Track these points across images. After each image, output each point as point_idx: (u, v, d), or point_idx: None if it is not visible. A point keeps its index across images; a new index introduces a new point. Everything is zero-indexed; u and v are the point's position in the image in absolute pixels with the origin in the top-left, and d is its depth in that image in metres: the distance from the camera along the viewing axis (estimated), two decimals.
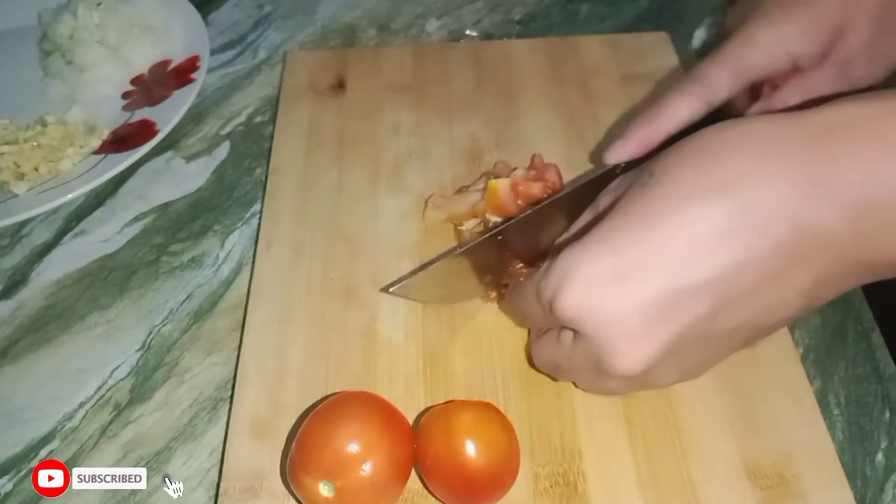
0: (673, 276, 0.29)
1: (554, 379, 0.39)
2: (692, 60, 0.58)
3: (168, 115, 0.53)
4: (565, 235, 0.36)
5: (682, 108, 0.38)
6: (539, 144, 0.50)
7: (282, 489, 0.36)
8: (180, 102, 0.54)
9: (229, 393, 0.41)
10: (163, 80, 0.57)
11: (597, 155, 0.50)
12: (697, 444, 0.37)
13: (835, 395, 0.40)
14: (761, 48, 0.38)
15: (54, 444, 0.39)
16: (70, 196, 0.49)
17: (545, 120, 0.52)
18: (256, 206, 0.50)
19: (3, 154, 0.51)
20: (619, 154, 0.38)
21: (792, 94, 0.38)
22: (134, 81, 0.58)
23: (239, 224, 0.49)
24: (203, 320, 0.44)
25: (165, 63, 0.59)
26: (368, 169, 0.50)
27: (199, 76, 0.56)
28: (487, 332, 0.42)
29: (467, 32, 0.61)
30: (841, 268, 0.29)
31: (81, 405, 0.41)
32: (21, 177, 0.51)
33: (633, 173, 0.33)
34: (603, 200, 0.35)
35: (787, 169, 0.28)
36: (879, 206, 0.27)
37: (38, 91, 0.58)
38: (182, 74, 0.57)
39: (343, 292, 0.44)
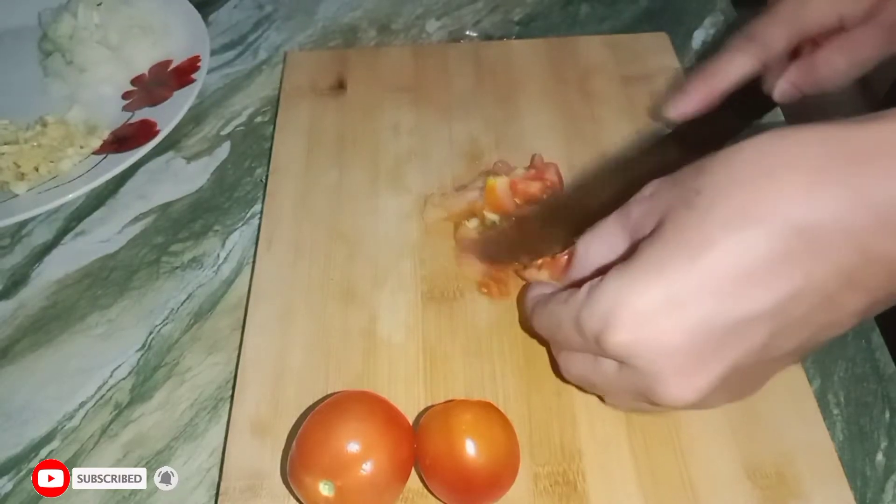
0: (728, 307, 0.27)
1: (583, 391, 0.38)
2: (692, 60, 0.58)
3: (168, 115, 0.53)
4: (588, 245, 0.34)
5: (738, 66, 0.40)
6: (539, 144, 0.50)
7: (282, 489, 0.36)
8: (181, 103, 0.54)
9: (230, 393, 0.41)
10: (163, 81, 0.57)
11: (597, 155, 0.50)
12: (697, 444, 0.37)
13: (835, 395, 0.40)
14: (814, 7, 0.39)
15: (54, 444, 0.39)
16: (70, 196, 0.49)
17: (545, 120, 0.53)
18: (257, 207, 0.50)
19: (3, 154, 0.51)
20: (680, 109, 0.40)
21: (834, 53, 0.40)
22: (134, 82, 0.58)
23: (239, 224, 0.49)
24: (203, 320, 0.44)
25: (166, 63, 0.58)
26: (368, 169, 0.50)
27: (200, 76, 0.56)
28: (487, 332, 0.42)
29: (467, 33, 0.61)
30: (870, 300, 0.28)
31: (82, 405, 0.41)
32: (21, 177, 0.51)
33: (673, 183, 0.31)
34: (636, 211, 0.32)
35: (842, 191, 0.26)
36: None
37: (39, 91, 0.58)
38: (182, 75, 0.56)
39: (343, 292, 0.44)
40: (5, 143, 0.52)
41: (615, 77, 0.55)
